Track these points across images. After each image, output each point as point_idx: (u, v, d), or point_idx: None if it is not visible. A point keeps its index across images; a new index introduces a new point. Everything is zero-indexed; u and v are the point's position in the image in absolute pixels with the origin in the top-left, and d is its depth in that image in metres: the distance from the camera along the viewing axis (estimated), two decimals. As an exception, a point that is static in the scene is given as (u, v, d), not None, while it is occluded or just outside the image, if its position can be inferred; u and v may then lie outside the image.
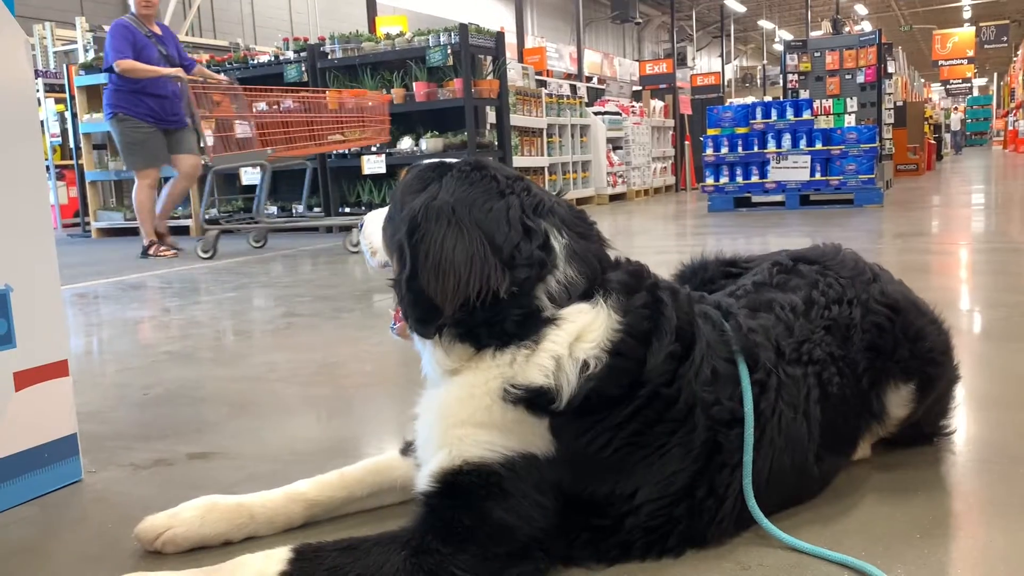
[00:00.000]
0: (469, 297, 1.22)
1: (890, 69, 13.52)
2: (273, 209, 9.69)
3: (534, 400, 1.23)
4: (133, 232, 10.37)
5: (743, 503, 1.33)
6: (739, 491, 1.33)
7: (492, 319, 1.24)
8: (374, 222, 1.50)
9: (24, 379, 1.71)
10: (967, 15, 37.85)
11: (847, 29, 15.37)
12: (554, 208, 1.33)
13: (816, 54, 12.26)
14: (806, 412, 1.42)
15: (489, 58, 9.26)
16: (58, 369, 1.79)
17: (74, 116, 10.67)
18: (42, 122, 11.15)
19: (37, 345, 1.74)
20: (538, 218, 1.29)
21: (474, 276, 1.21)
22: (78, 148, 10.78)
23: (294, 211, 9.54)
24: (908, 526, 1.40)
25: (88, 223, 10.82)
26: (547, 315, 1.25)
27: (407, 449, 1.55)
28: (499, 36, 9.24)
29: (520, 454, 1.23)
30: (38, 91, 11.10)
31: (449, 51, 8.53)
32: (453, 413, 1.27)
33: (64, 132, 11.61)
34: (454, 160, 1.39)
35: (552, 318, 1.25)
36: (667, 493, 1.27)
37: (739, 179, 9.62)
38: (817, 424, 1.43)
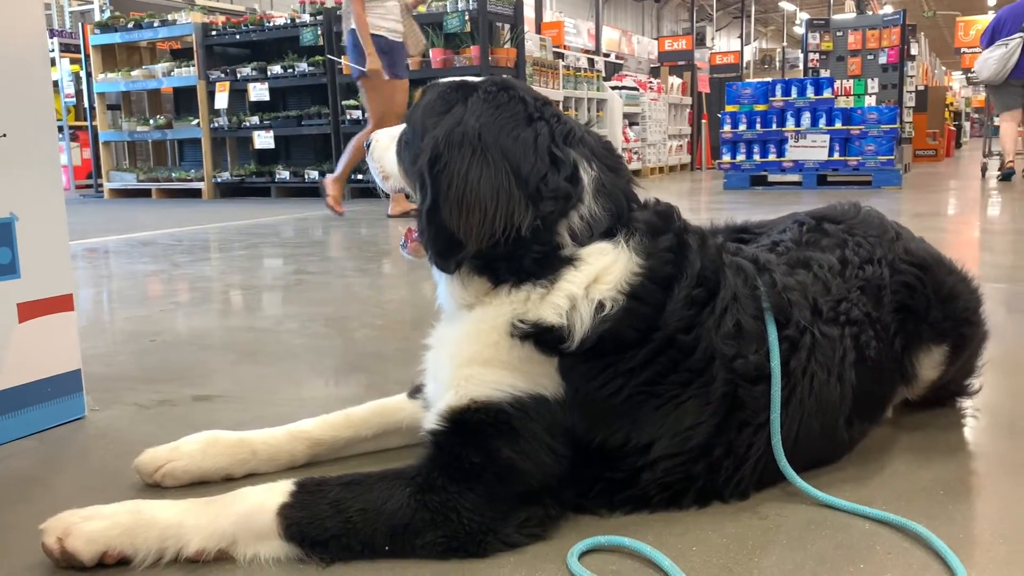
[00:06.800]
0: (495, 234, 1.16)
1: (913, 51, 13.27)
2: (286, 174, 9.65)
3: (542, 337, 1.18)
4: (145, 193, 10.37)
5: (764, 465, 1.28)
6: (761, 453, 1.27)
7: (512, 254, 1.19)
8: (384, 144, 1.42)
9: (28, 311, 1.68)
10: (992, 3, 37.26)
11: (870, 11, 15.12)
12: (584, 138, 1.27)
13: (838, 33, 12.04)
14: (840, 375, 1.35)
15: (507, 26, 9.16)
16: (63, 303, 1.75)
17: (88, 76, 10.63)
18: (56, 82, 11.11)
19: (42, 277, 1.70)
20: (567, 147, 1.23)
21: (500, 212, 1.15)
22: (92, 108, 10.76)
23: (306, 176, 9.50)
24: (932, 484, 1.36)
25: (101, 184, 10.82)
26: (566, 253, 1.19)
27: (415, 392, 1.52)
28: (518, 4, 9.14)
29: (529, 394, 1.18)
30: (53, 51, 11.05)
31: (467, 18, 8.44)
32: (461, 351, 1.23)
33: (79, 93, 11.55)
34: (478, 79, 1.32)
35: (571, 257, 1.19)
36: (684, 449, 1.22)
37: (756, 157, 9.50)
38: (851, 388, 1.37)
